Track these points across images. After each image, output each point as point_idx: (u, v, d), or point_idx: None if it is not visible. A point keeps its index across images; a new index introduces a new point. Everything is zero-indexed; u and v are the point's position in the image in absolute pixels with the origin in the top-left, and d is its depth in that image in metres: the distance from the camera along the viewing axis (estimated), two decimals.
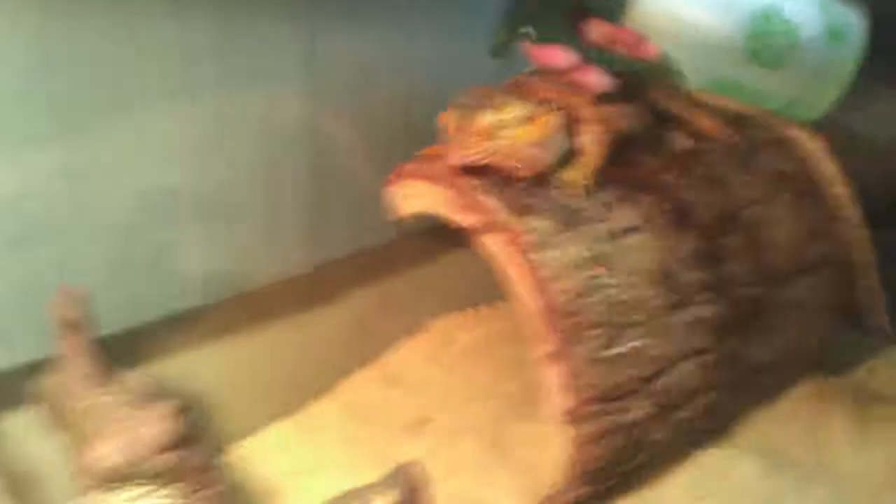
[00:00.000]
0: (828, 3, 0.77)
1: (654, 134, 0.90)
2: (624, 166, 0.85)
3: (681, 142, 0.91)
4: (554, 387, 0.77)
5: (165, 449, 0.65)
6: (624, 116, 0.86)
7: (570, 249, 0.77)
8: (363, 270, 1.06)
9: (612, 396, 0.77)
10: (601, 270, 0.78)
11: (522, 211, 0.78)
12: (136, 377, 0.74)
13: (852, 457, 0.88)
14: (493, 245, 0.78)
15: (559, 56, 0.77)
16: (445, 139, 0.80)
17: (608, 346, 0.77)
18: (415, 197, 0.85)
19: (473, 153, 0.78)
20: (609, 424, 0.78)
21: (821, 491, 0.84)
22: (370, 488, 0.70)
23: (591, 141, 0.83)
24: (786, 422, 0.92)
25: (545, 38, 0.78)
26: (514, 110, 0.78)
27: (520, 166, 0.79)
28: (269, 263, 0.97)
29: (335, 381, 1.01)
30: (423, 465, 0.70)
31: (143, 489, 0.66)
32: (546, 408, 0.78)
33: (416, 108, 1.01)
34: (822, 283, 0.93)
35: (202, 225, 0.89)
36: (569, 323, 0.75)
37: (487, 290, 1.10)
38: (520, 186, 0.80)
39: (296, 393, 1.01)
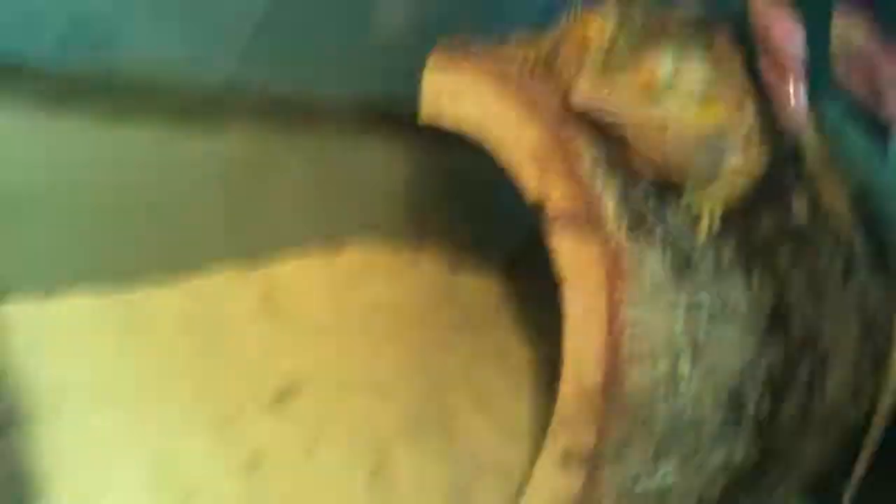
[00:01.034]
0: None
1: (779, 185, 0.64)
2: (742, 213, 0.58)
3: (801, 211, 0.65)
4: (541, 495, 0.49)
5: None
6: (775, 149, 0.59)
7: (668, 318, 0.49)
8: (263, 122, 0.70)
9: None
10: (686, 366, 0.51)
11: (638, 228, 0.49)
12: None
13: None
14: (573, 255, 0.48)
15: (791, 37, 0.47)
16: (574, 56, 0.49)
17: (643, 477, 0.50)
18: (475, 106, 0.52)
19: (615, 107, 0.47)
20: None
21: None
22: None
23: (745, 164, 0.55)
24: None
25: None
26: (701, 72, 0.48)
27: (658, 158, 0.50)
28: None
29: (182, 268, 0.66)
30: None
31: None
32: None
33: None
34: (825, 448, 0.72)
35: None
36: (622, 426, 0.48)
37: (440, 224, 0.78)
38: (644, 186, 0.50)
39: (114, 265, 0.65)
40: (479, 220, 0.82)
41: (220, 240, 0.67)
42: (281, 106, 0.70)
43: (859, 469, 0.73)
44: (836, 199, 0.66)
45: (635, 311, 0.47)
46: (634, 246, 0.48)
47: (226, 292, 0.63)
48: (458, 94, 0.53)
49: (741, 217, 0.57)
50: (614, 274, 0.46)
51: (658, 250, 0.49)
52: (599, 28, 0.48)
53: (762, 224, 0.60)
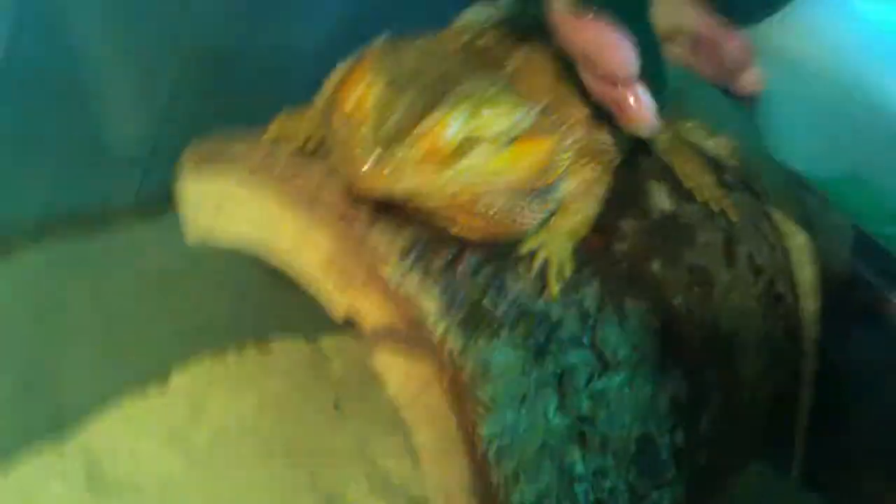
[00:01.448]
0: None
1: (630, 183, 0.56)
2: (598, 236, 0.50)
3: (659, 199, 0.57)
4: None
5: None
6: (616, 151, 0.51)
7: (539, 406, 0.41)
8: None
9: None
10: (577, 450, 0.43)
11: (475, 318, 0.40)
12: None
13: None
14: (404, 376, 0.39)
15: (620, 54, 0.39)
16: (345, 129, 0.39)
17: None
18: (247, 215, 0.43)
19: (405, 185, 0.38)
20: None
21: None
22: None
23: (585, 189, 0.47)
24: None
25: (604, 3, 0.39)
26: (503, 106, 0.40)
27: (477, 222, 0.41)
28: None
29: None
30: None
31: None
32: None
33: None
34: (757, 427, 0.66)
35: None
36: None
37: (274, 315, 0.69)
38: (470, 260, 0.41)
39: None
40: None
41: (12, 409, 0.55)
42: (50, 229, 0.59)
43: (801, 424, 0.68)
44: (698, 172, 0.59)
45: (495, 422, 0.39)
46: (474, 343, 0.39)
47: (36, 482, 0.53)
48: (222, 205, 0.43)
49: (597, 240, 0.50)
50: (457, 390, 0.38)
51: (506, 332, 0.41)
52: (363, 95, 0.38)
53: (624, 236, 0.52)
